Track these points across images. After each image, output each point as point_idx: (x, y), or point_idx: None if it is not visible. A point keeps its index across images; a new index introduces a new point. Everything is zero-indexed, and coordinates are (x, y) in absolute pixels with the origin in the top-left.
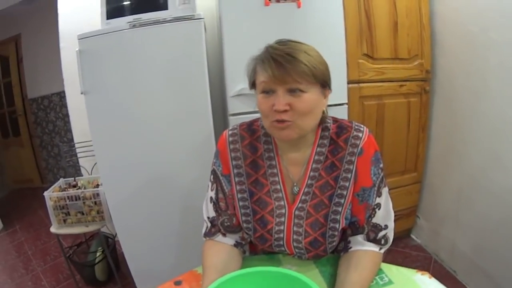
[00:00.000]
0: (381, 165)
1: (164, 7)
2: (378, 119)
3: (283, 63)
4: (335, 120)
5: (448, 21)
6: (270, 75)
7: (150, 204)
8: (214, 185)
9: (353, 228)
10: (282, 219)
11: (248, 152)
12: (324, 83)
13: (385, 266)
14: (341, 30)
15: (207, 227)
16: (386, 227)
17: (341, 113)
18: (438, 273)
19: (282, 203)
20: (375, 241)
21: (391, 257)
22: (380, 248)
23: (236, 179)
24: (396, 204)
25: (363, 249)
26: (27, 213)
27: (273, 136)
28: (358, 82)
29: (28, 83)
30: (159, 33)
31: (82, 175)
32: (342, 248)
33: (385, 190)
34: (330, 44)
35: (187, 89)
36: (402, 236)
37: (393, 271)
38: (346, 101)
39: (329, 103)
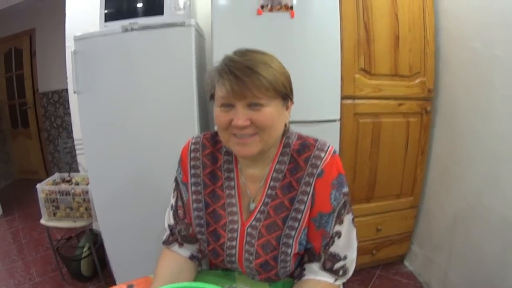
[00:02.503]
0: (345, 190)
1: (160, 12)
2: (373, 138)
3: (241, 77)
4: (299, 137)
5: (453, 36)
6: (228, 90)
7: (135, 205)
8: (175, 192)
9: (310, 255)
10: (235, 235)
11: (208, 161)
12: (285, 96)
13: None
14: (336, 43)
15: (167, 234)
16: (345, 257)
17: (333, 130)
18: None
19: (235, 218)
20: (331, 271)
21: (379, 284)
22: (336, 280)
23: (193, 188)
24: (390, 228)
25: (316, 278)
26: (27, 203)
27: (232, 151)
28: (353, 98)
29: (39, 77)
30: (151, 38)
31: (79, 172)
32: (297, 274)
33: (348, 218)
34: (324, 56)
35: (175, 94)
36: (394, 262)
37: None
38: (339, 117)
39: (321, 118)
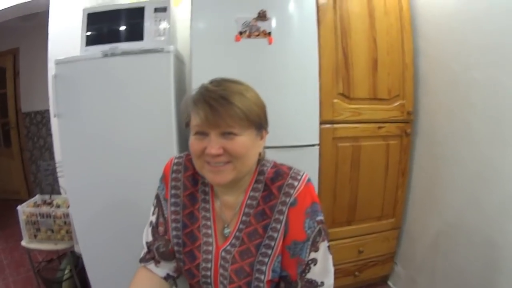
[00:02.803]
0: (319, 218)
1: (140, 38)
2: (353, 161)
3: (216, 107)
4: (275, 164)
5: (432, 59)
6: (202, 119)
7: (115, 227)
8: (156, 209)
9: (286, 282)
10: (209, 256)
11: (189, 183)
12: (259, 126)
13: None
14: (315, 68)
15: (144, 252)
16: (322, 284)
17: (312, 155)
18: None
19: (210, 240)
20: None
21: None
22: None
23: (172, 208)
24: (372, 250)
25: None
26: (9, 223)
27: (206, 179)
28: (332, 122)
29: (22, 96)
30: (131, 63)
31: (61, 193)
32: None
33: (323, 245)
34: (302, 82)
35: (154, 119)
36: (378, 283)
37: None
38: (318, 142)
39: (300, 143)
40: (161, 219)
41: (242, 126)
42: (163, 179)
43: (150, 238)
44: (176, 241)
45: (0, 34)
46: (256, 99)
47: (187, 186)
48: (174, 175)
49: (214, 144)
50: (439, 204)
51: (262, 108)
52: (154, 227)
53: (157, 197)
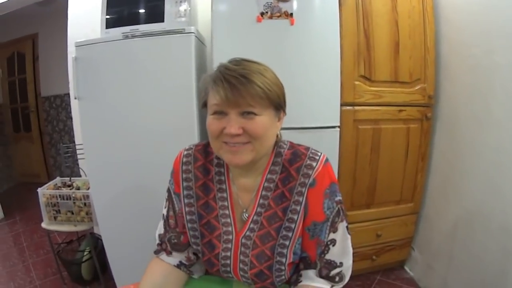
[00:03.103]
0: (338, 198)
1: (161, 19)
2: (373, 144)
3: (236, 85)
4: (291, 145)
5: (453, 43)
6: (222, 97)
7: (136, 209)
8: (167, 202)
9: (305, 263)
10: (229, 245)
11: (200, 174)
12: (278, 106)
13: None
14: (336, 50)
15: (156, 244)
16: (341, 264)
17: (332, 137)
18: None
19: (229, 229)
20: (328, 278)
21: None
22: (332, 286)
23: (186, 200)
24: (390, 234)
25: (312, 284)
26: (28, 206)
27: (223, 160)
28: (353, 104)
29: (42, 81)
30: (151, 45)
31: (81, 176)
32: (293, 280)
33: (342, 225)
34: (324, 63)
35: (176, 100)
36: (394, 267)
37: None
38: (339, 124)
39: (320, 125)
40: (171, 213)
41: (262, 105)
42: (173, 174)
43: (162, 231)
44: (193, 233)
45: (19, 20)
46: (275, 79)
47: (199, 177)
48: (184, 167)
49: (234, 124)
50: (458, 190)
51: (281, 89)
52: (166, 220)
53: (168, 190)
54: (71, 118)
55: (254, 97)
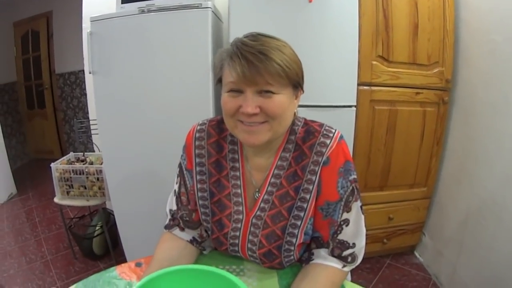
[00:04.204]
0: (352, 177)
1: None
2: (389, 126)
3: (254, 62)
4: (306, 123)
5: (473, 28)
6: (239, 75)
7: (148, 185)
8: (179, 178)
9: (317, 243)
10: (239, 225)
11: (213, 150)
12: (297, 84)
13: (350, 287)
14: (355, 29)
15: (168, 219)
16: (354, 245)
17: (348, 116)
18: None
19: (240, 208)
20: (340, 257)
21: (388, 273)
22: (344, 266)
23: (198, 177)
24: (402, 218)
25: (324, 263)
26: (41, 182)
27: (238, 139)
28: (370, 85)
29: (56, 58)
30: (167, 20)
31: (94, 152)
32: (305, 259)
33: (356, 205)
34: (341, 42)
35: (191, 76)
36: (405, 252)
37: None
38: (355, 104)
39: (337, 104)
40: (182, 189)
41: (281, 84)
42: (185, 148)
43: (174, 207)
44: (204, 210)
45: None
46: (294, 56)
47: (212, 153)
48: (197, 142)
49: (251, 103)
50: (471, 177)
51: (299, 66)
52: (178, 197)
53: (180, 166)
54: (85, 94)
55: (273, 75)
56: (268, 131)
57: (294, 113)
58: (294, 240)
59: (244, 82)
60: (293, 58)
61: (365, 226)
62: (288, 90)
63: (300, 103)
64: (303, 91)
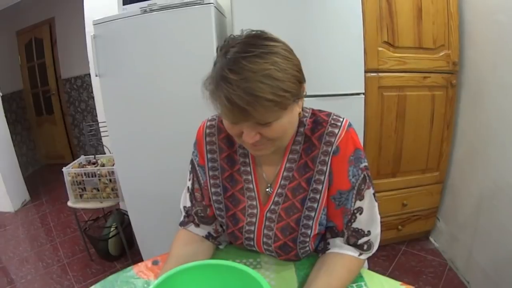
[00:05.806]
0: (363, 164)
1: None
2: (398, 112)
3: (243, 107)
4: (313, 113)
5: (477, 9)
6: (230, 117)
7: (161, 184)
8: (191, 175)
9: (332, 232)
10: (253, 219)
11: (225, 146)
12: (296, 96)
13: (367, 274)
14: (358, 16)
15: (183, 216)
16: (369, 233)
17: (357, 104)
18: (451, 282)
19: (254, 203)
20: (356, 246)
21: (404, 259)
22: (360, 254)
23: (210, 172)
24: (416, 203)
25: (340, 252)
26: (54, 187)
27: None
28: (377, 71)
29: (61, 64)
30: (170, 18)
31: (105, 154)
32: (321, 248)
33: (368, 193)
34: (346, 30)
35: (197, 74)
36: (420, 238)
37: (374, 281)
38: (363, 91)
39: (345, 92)
40: (196, 185)
41: (277, 112)
42: (196, 145)
43: (188, 204)
44: (218, 205)
45: (35, 6)
46: (286, 65)
47: (223, 149)
48: (208, 138)
49: (250, 132)
50: (483, 159)
51: (296, 76)
52: (191, 193)
53: (192, 162)
54: (93, 97)
55: (266, 111)
56: (272, 147)
57: (300, 113)
58: (309, 232)
59: (238, 121)
60: (286, 75)
61: (379, 213)
62: (288, 110)
63: (309, 93)
64: (304, 88)
